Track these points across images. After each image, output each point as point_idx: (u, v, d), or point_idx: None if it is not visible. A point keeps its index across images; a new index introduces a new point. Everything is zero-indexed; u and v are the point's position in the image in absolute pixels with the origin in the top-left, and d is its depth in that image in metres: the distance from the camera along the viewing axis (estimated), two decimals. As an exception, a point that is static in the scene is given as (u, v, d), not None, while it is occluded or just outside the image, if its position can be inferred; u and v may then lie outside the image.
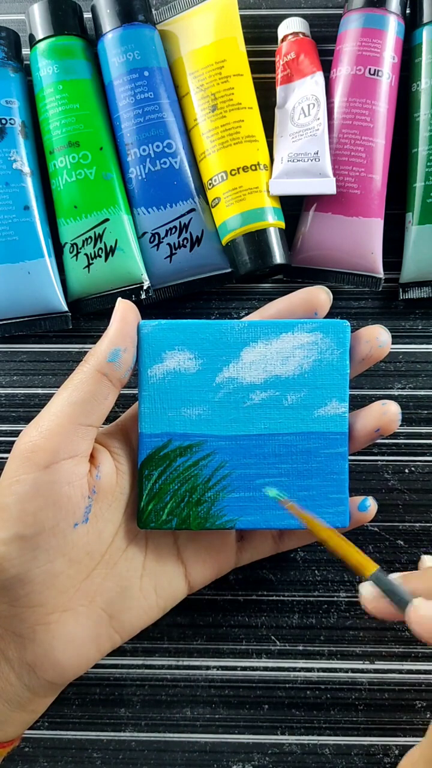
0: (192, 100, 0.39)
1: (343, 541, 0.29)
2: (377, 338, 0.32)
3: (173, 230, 0.38)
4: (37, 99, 0.39)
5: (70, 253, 0.38)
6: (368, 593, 0.28)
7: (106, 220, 0.38)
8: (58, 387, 0.31)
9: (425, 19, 0.38)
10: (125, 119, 0.38)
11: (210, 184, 0.38)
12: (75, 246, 0.38)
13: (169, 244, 0.38)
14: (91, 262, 0.38)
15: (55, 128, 0.38)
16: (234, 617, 0.38)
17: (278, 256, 0.37)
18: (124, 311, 0.32)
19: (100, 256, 0.38)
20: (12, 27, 0.40)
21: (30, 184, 0.38)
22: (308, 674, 0.37)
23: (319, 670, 0.37)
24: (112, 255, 0.38)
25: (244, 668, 0.37)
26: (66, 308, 0.39)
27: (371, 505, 0.33)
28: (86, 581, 0.31)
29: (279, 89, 0.39)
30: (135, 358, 0.32)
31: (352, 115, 0.38)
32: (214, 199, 0.38)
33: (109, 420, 0.33)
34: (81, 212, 0.38)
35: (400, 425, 0.33)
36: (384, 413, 0.32)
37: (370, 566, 0.28)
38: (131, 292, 0.38)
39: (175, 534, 0.34)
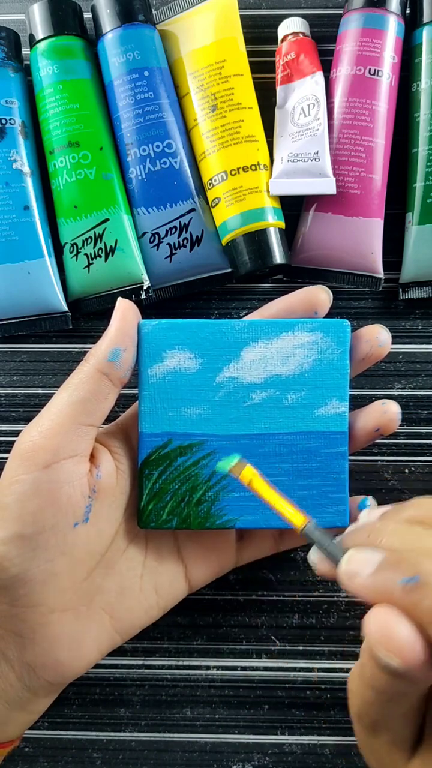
0: (192, 100, 0.39)
1: (278, 497, 0.27)
2: (377, 337, 0.32)
3: (173, 230, 0.38)
4: (37, 99, 0.39)
5: (70, 253, 0.38)
6: (314, 554, 0.27)
7: (106, 220, 0.38)
8: (58, 387, 0.31)
9: (425, 19, 0.38)
10: (125, 119, 0.38)
11: (210, 184, 0.38)
12: (75, 246, 0.38)
13: (169, 244, 0.38)
14: (91, 262, 0.38)
15: (55, 128, 0.38)
16: (234, 617, 0.38)
17: (278, 256, 0.37)
18: (125, 311, 0.32)
19: (100, 256, 0.38)
20: (12, 27, 0.40)
21: (30, 184, 0.38)
22: (308, 674, 0.37)
23: (319, 670, 0.37)
24: (112, 255, 0.38)
25: (244, 668, 0.37)
26: (66, 308, 0.39)
27: (371, 504, 0.33)
28: (86, 581, 0.31)
29: (279, 89, 0.39)
30: (135, 357, 0.32)
31: (352, 115, 0.38)
32: (214, 199, 0.38)
33: (109, 420, 0.33)
34: (81, 212, 0.38)
35: (400, 425, 0.33)
36: (384, 413, 0.32)
37: (301, 519, 0.26)
38: (131, 292, 0.38)
39: (176, 534, 0.34)
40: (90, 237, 0.38)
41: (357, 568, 0.23)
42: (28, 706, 0.30)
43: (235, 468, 0.30)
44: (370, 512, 0.27)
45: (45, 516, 0.29)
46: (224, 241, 0.38)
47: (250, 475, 0.29)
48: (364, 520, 0.27)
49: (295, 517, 0.27)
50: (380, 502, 0.34)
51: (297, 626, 0.38)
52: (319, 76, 0.38)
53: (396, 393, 0.39)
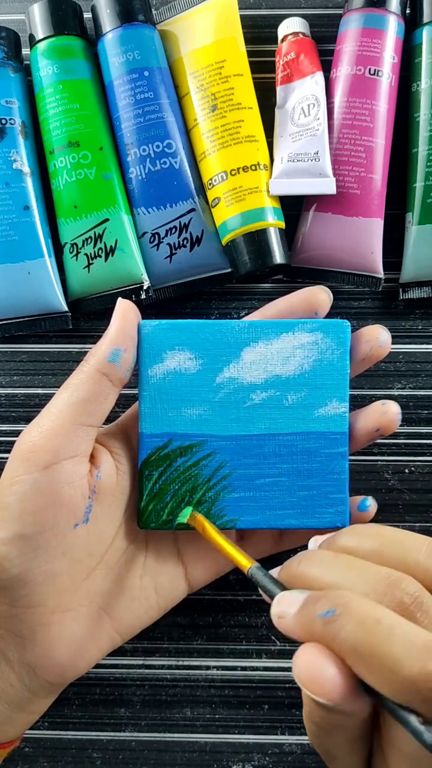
0: (192, 100, 0.39)
1: (226, 542, 0.28)
2: (377, 338, 0.32)
3: (173, 230, 0.38)
4: (37, 99, 0.39)
5: (70, 253, 0.38)
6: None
7: (106, 220, 0.38)
8: (58, 387, 0.31)
9: (425, 19, 0.38)
10: (125, 119, 0.38)
11: (210, 184, 0.38)
12: (75, 246, 0.38)
13: (169, 244, 0.38)
14: (91, 262, 0.38)
15: (55, 128, 0.38)
16: (234, 617, 0.38)
17: (278, 256, 0.37)
18: (125, 311, 0.32)
19: (100, 256, 0.38)
20: (12, 27, 0.40)
21: (30, 184, 0.38)
22: (308, 674, 0.37)
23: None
24: (112, 255, 0.38)
25: (244, 668, 0.37)
26: (66, 308, 0.39)
27: (371, 504, 0.33)
28: (86, 581, 0.31)
29: (279, 89, 0.39)
30: (135, 357, 0.32)
31: (352, 115, 0.38)
32: (214, 199, 0.38)
33: (109, 420, 0.33)
34: (81, 212, 0.38)
35: (400, 425, 0.33)
36: (384, 413, 0.32)
37: (246, 563, 0.26)
38: (131, 292, 0.38)
39: (176, 534, 0.34)
40: (90, 237, 0.38)
41: (284, 608, 0.23)
42: (28, 706, 0.30)
43: (190, 519, 0.31)
44: (316, 540, 0.27)
45: (45, 516, 0.29)
46: (224, 241, 0.38)
47: (203, 523, 0.30)
48: (311, 547, 0.28)
49: (241, 560, 0.27)
50: (380, 502, 0.34)
51: (297, 626, 0.37)
52: (319, 76, 0.38)
53: (396, 393, 0.39)
